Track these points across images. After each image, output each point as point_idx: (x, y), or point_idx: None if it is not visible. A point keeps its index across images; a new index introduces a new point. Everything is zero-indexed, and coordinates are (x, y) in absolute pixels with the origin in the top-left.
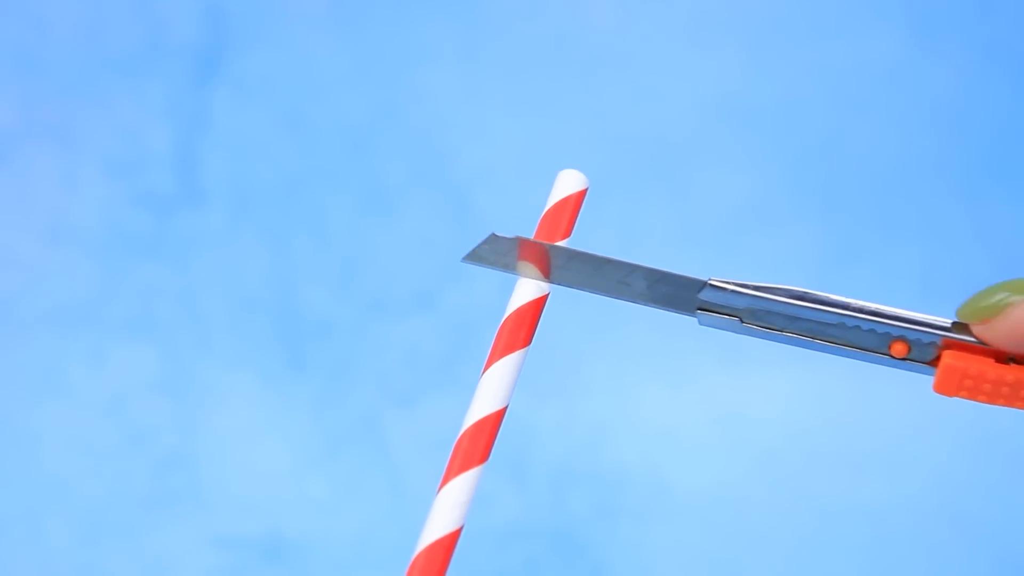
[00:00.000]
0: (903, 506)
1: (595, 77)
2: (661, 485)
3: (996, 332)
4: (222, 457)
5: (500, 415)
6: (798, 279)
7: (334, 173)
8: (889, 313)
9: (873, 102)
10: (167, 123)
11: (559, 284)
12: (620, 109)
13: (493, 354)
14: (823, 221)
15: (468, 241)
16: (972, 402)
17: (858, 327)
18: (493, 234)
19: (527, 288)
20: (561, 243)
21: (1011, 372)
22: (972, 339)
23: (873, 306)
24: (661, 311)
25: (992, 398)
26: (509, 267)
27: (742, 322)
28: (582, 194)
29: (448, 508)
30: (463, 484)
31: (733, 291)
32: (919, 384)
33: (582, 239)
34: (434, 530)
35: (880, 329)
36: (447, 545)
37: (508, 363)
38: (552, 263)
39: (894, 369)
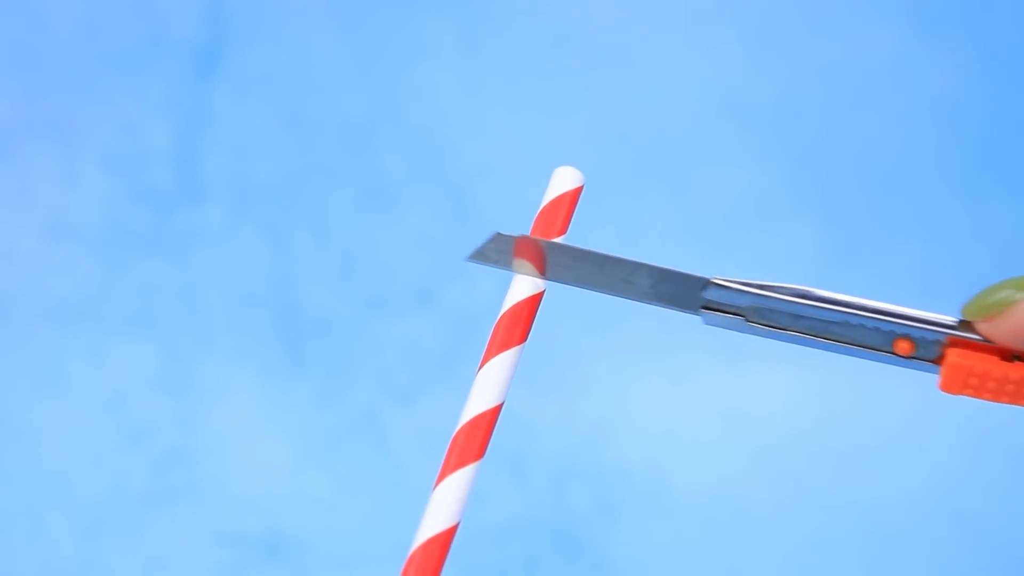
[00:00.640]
0: (904, 503)
1: (595, 74)
2: (661, 482)
3: (1000, 330)
4: (222, 453)
5: (496, 412)
6: (799, 276)
7: (334, 169)
8: (893, 311)
9: (873, 98)
10: (167, 119)
11: (562, 283)
12: (620, 105)
13: (489, 351)
14: (824, 218)
15: (468, 238)
16: (975, 400)
17: (862, 325)
18: (497, 233)
19: (522, 285)
20: (561, 240)
21: (1016, 370)
22: (977, 337)
23: (877, 304)
24: (664, 309)
25: (996, 396)
26: (512, 266)
27: (747, 321)
28: (578, 191)
29: (444, 505)
30: (459, 481)
31: (737, 290)
32: (919, 381)
33: (582, 236)
34: (430, 527)
35: (884, 327)
36: (443, 542)
37: (503, 360)
38: (554, 261)
39: (898, 368)
